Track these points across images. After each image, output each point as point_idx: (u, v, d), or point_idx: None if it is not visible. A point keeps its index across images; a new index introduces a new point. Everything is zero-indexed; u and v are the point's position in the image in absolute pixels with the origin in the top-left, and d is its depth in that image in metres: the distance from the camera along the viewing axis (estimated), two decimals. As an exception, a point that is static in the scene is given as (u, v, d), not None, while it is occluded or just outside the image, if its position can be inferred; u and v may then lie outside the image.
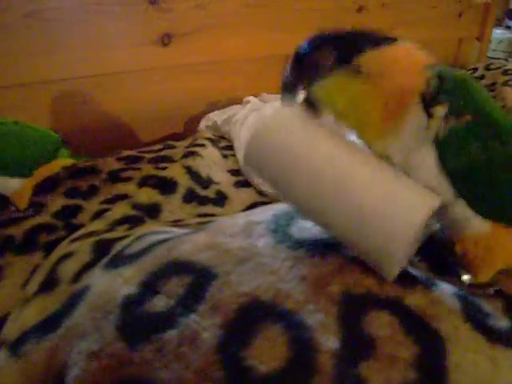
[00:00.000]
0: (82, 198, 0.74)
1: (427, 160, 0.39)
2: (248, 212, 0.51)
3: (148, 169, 0.84)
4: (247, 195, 0.82)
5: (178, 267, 0.40)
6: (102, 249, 0.51)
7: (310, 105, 0.44)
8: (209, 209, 0.76)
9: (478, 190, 0.39)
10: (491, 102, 0.40)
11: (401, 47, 0.41)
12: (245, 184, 0.85)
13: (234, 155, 0.93)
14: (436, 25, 1.70)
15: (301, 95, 0.44)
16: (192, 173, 0.80)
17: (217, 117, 1.04)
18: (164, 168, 0.83)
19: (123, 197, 0.75)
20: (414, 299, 0.38)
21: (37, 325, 0.42)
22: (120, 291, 0.39)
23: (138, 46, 0.98)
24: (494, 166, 0.38)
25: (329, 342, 0.33)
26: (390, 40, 0.42)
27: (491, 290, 0.44)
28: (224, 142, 0.97)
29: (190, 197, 0.77)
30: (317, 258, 0.41)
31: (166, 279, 0.39)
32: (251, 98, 1.06)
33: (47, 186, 0.75)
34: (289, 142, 0.42)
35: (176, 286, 0.38)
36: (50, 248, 0.62)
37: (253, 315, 0.34)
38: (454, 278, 0.44)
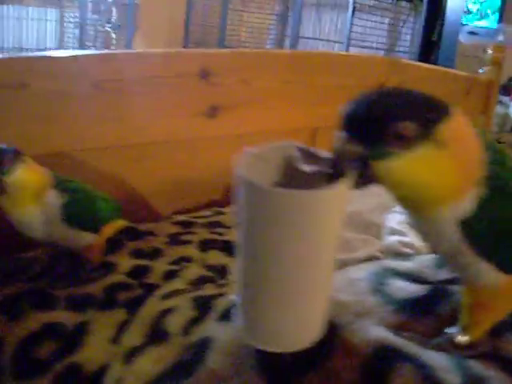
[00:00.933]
0: (149, 259, 0.77)
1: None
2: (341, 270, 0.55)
3: (204, 233, 0.87)
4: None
5: None
6: (203, 305, 0.54)
7: (364, 178, 0.40)
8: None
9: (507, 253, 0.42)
10: None
11: (460, 116, 0.40)
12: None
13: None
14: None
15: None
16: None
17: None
18: (220, 233, 0.87)
19: (188, 259, 0.78)
20: None
21: (165, 372, 0.44)
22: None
23: (188, 117, 1.04)
24: None
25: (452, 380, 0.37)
26: (444, 105, 0.40)
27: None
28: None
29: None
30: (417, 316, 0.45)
31: None
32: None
33: (113, 246, 0.78)
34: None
35: None
36: (130, 305, 0.64)
37: (388, 356, 0.38)
38: (446, 342, 0.46)
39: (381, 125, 0.38)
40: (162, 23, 3.31)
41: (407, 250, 0.72)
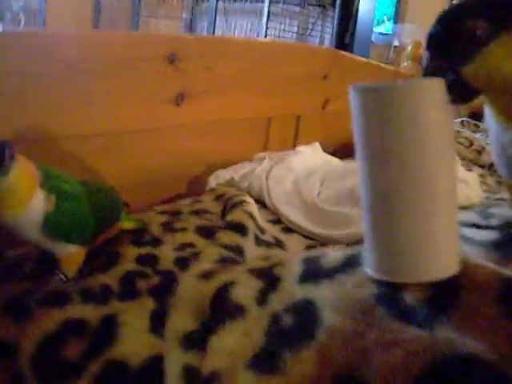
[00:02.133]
0: (152, 247, 0.70)
1: None
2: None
3: (195, 220, 0.82)
4: (296, 240, 0.83)
5: None
6: (266, 276, 0.49)
7: (462, 88, 0.40)
8: (276, 252, 0.75)
9: None
10: None
11: None
12: (288, 230, 0.86)
13: (264, 207, 0.93)
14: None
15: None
16: (253, 218, 0.79)
17: (231, 174, 1.04)
18: (211, 220, 0.82)
19: (191, 244, 0.72)
20: None
21: (266, 344, 0.39)
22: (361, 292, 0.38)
23: (158, 105, 0.98)
24: None
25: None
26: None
27: None
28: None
29: (257, 241, 0.76)
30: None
31: None
32: (265, 154, 1.08)
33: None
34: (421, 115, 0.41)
35: None
36: (156, 293, 0.58)
37: None
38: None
39: (455, 30, 0.38)
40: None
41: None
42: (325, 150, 1.34)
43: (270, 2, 3.12)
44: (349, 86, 0.44)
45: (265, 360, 0.38)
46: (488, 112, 0.47)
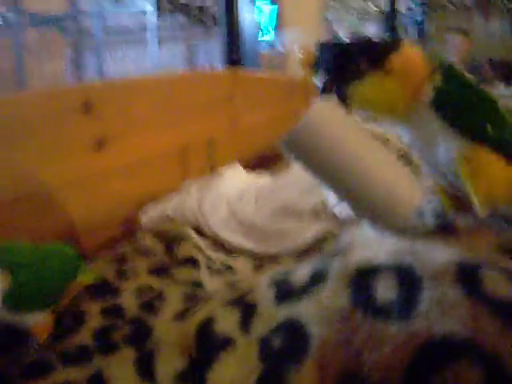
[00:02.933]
0: (112, 298, 0.72)
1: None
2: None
3: (143, 262, 0.84)
4: (242, 262, 0.87)
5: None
6: (240, 305, 0.53)
7: (341, 102, 0.54)
8: (236, 278, 0.79)
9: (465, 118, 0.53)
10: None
11: (408, 48, 0.54)
12: (232, 254, 0.90)
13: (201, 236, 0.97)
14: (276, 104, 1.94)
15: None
16: (201, 250, 0.82)
17: (161, 208, 1.06)
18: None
19: (148, 288, 0.74)
20: None
21: (267, 365, 0.43)
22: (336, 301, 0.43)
23: (77, 154, 0.99)
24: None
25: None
26: (397, 42, 0.54)
27: None
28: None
29: (210, 271, 0.80)
30: None
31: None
32: (191, 182, 1.11)
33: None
34: (338, 133, 0.62)
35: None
36: (133, 341, 0.60)
37: None
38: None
39: (347, 62, 0.53)
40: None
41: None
42: (243, 167, 1.39)
43: (156, 30, 3.15)
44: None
45: (268, 381, 0.42)
46: None
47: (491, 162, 0.51)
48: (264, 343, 0.46)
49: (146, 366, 0.55)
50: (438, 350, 0.38)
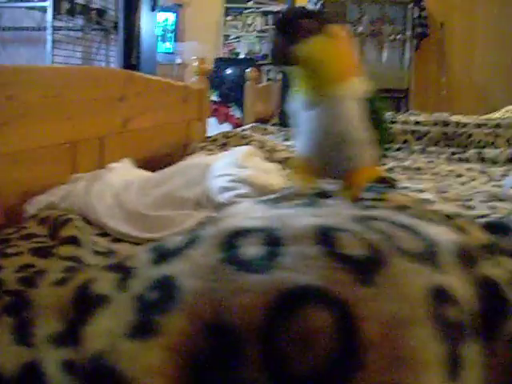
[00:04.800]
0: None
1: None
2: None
3: (27, 244, 0.85)
4: (127, 247, 0.91)
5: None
6: (120, 268, 0.56)
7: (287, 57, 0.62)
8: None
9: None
10: None
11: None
12: (117, 240, 0.93)
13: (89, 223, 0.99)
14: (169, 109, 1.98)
15: None
16: (84, 232, 0.85)
17: (48, 198, 1.07)
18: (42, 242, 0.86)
19: (30, 266, 0.75)
20: None
21: (141, 315, 0.47)
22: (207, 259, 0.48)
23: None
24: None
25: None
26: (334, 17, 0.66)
27: None
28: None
29: (92, 251, 0.82)
30: None
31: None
32: (80, 175, 1.13)
33: None
34: None
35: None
36: (11, 310, 0.61)
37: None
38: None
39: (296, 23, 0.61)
40: None
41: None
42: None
43: (53, 29, 3.08)
44: None
45: (141, 327, 0.46)
46: (297, 100, 0.65)
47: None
48: (139, 299, 0.50)
49: (23, 331, 0.56)
50: (295, 296, 0.44)
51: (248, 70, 3.38)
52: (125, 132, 1.60)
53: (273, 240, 0.49)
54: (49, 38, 2.98)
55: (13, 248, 0.83)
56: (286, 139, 2.29)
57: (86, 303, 0.54)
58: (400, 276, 0.46)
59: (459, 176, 1.84)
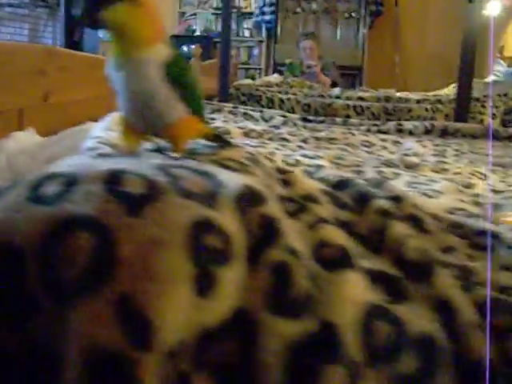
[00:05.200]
0: None
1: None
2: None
3: None
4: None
5: None
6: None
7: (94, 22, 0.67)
8: None
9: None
10: None
11: None
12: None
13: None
14: (98, 84, 2.04)
15: None
16: None
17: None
18: None
19: None
20: None
21: None
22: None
23: None
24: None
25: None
26: None
27: None
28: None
29: None
30: None
31: None
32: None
33: None
34: None
35: None
36: None
37: None
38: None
39: None
40: None
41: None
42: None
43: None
44: None
45: None
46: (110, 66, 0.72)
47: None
48: None
49: None
50: (68, 223, 0.52)
51: (192, 46, 3.45)
52: (46, 105, 1.66)
53: (71, 181, 0.58)
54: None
55: None
56: (212, 112, 2.37)
57: None
58: (168, 209, 0.56)
59: (372, 145, 1.95)
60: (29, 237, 0.53)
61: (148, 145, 0.82)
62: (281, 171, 0.88)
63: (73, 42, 2.96)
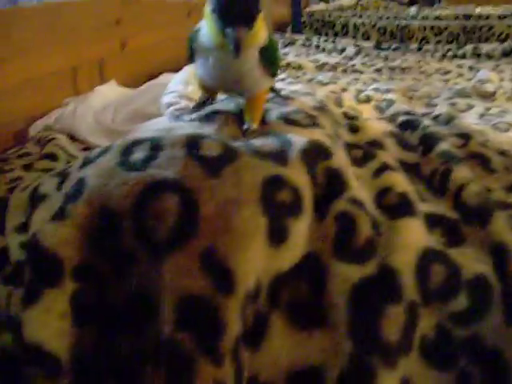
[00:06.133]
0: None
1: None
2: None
3: (20, 162, 1.04)
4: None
5: None
6: (62, 174, 0.75)
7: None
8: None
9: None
10: None
11: None
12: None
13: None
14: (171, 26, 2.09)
15: None
16: (64, 149, 1.03)
17: (46, 120, 1.25)
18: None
19: (18, 179, 0.95)
20: None
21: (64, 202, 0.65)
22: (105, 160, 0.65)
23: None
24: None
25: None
26: None
27: None
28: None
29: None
30: None
31: None
32: (70, 99, 1.30)
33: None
34: None
35: None
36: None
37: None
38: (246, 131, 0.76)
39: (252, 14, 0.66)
40: None
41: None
42: (133, 86, 1.57)
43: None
44: None
45: (60, 214, 0.64)
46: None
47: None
48: (64, 197, 0.67)
49: (1, 226, 0.76)
50: (156, 187, 0.60)
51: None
52: (124, 53, 1.74)
53: (155, 146, 0.66)
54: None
55: (9, 165, 1.02)
56: (284, 46, 2.37)
57: (34, 201, 0.73)
58: (243, 169, 0.62)
59: (447, 73, 1.90)
60: (123, 200, 0.61)
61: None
62: (349, 117, 0.92)
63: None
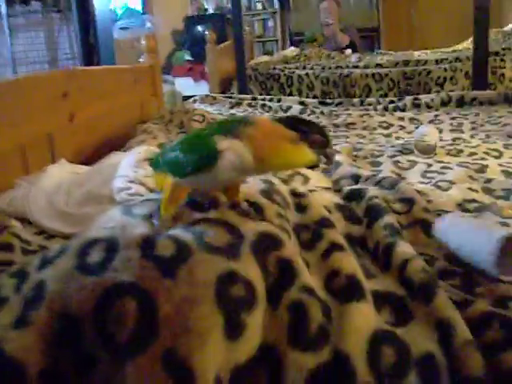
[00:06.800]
0: None
1: None
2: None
3: None
4: (59, 243, 1.09)
5: None
6: (19, 274, 0.74)
7: None
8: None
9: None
10: None
11: None
12: (51, 237, 1.12)
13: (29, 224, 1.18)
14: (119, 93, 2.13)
15: None
16: (18, 236, 1.03)
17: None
18: None
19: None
20: None
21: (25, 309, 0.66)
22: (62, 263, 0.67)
23: None
24: None
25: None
26: None
27: None
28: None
29: (24, 252, 1.01)
30: None
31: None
32: (21, 179, 1.31)
33: None
34: None
35: None
36: None
37: None
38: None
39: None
40: None
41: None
42: (83, 159, 1.59)
43: (8, 17, 3.18)
44: None
45: (21, 320, 0.64)
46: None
47: None
48: (24, 298, 0.68)
49: None
50: (114, 291, 0.62)
51: (206, 33, 3.51)
52: (72, 126, 1.75)
53: (110, 247, 0.68)
54: (5, 24, 3.07)
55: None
56: (231, 107, 2.44)
57: None
58: (197, 267, 0.65)
59: (389, 126, 2.00)
60: (82, 305, 0.62)
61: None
62: (295, 194, 0.96)
63: (89, 45, 3.03)
